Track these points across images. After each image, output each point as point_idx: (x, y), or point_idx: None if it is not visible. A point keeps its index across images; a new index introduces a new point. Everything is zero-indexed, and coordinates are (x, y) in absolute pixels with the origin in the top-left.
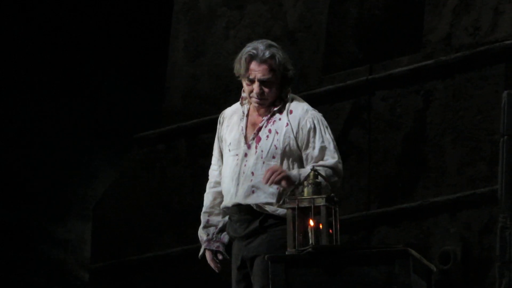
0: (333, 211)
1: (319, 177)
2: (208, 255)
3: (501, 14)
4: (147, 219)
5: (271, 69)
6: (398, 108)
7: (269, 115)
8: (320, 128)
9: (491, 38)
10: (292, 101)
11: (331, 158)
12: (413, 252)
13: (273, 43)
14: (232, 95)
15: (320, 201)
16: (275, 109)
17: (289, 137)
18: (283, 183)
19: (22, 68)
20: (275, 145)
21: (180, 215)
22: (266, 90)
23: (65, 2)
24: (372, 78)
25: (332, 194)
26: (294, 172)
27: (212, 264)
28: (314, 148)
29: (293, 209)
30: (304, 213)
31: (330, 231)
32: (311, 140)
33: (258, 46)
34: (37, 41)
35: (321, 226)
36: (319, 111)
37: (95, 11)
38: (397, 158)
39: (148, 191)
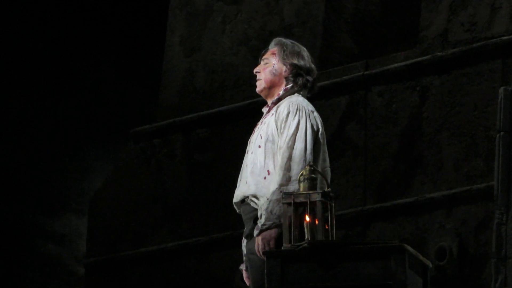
0: (329, 206)
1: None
2: (243, 273)
3: (497, 10)
4: (143, 213)
5: (273, 53)
6: (394, 103)
7: (267, 111)
8: (291, 114)
9: (487, 33)
10: (290, 99)
11: (286, 144)
12: (409, 248)
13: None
14: (228, 90)
15: (316, 197)
16: (271, 104)
17: (273, 126)
18: (272, 242)
19: (17, 63)
20: (260, 135)
21: (175, 210)
22: (261, 68)
23: None
24: (368, 73)
25: (328, 189)
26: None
27: (247, 282)
28: (282, 134)
29: (288, 204)
30: (299, 208)
31: (326, 226)
32: (282, 126)
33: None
34: (32, 37)
35: (316, 222)
36: (315, 106)
37: (91, 5)
38: (393, 154)
39: (144, 185)
